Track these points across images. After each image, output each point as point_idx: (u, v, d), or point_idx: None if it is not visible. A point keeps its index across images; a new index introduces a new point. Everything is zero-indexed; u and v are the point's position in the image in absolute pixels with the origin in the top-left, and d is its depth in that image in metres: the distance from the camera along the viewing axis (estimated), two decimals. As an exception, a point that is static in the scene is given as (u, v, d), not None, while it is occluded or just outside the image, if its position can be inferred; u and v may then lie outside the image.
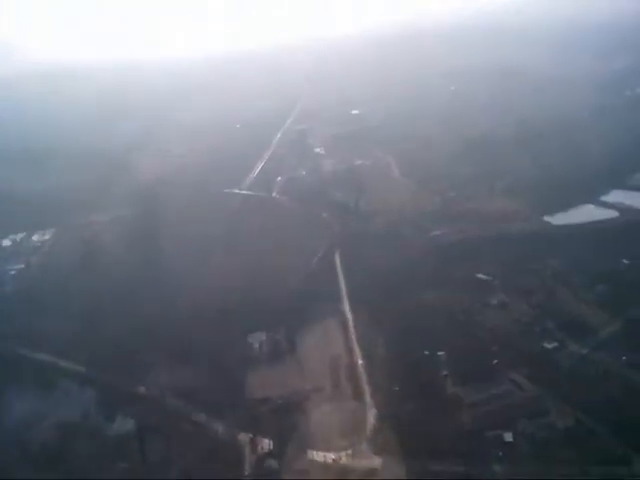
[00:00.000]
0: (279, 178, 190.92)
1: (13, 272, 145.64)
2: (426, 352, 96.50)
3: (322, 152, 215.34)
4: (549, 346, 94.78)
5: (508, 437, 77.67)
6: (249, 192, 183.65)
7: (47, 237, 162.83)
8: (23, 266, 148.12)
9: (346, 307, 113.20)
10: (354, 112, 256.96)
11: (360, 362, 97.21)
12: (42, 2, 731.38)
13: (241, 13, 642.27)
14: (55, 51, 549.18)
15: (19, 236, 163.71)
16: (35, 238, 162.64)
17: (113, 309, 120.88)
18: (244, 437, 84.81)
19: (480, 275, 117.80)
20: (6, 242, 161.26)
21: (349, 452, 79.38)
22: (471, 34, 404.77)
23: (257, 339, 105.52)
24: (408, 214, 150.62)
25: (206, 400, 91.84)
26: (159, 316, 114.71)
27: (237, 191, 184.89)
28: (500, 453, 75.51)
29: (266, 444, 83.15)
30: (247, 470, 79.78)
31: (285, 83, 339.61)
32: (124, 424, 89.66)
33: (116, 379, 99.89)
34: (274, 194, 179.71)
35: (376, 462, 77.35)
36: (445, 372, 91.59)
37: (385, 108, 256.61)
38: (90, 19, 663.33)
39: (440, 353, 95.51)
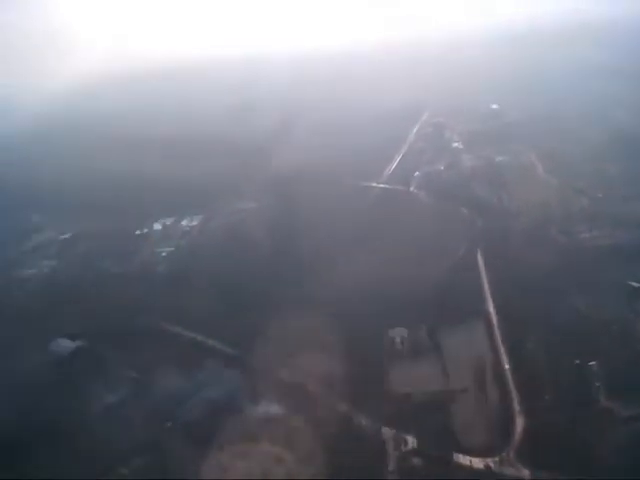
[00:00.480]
0: (417, 172, 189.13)
1: (164, 254, 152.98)
2: (577, 361, 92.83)
3: (460, 147, 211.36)
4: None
5: (665, 455, 73.63)
6: (386, 186, 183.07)
7: (195, 223, 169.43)
8: (173, 249, 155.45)
9: (490, 307, 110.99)
10: (493, 107, 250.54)
11: (507, 366, 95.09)
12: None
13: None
14: (169, 49, 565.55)
15: (169, 220, 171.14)
16: (184, 223, 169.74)
17: (255, 294, 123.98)
18: (387, 432, 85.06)
19: (633, 283, 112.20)
20: (157, 226, 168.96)
21: (496, 459, 77.80)
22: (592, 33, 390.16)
23: (399, 334, 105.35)
24: (553, 214, 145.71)
25: (349, 391, 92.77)
26: (299, 305, 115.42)
27: (374, 184, 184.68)
28: (657, 472, 71.74)
29: (410, 441, 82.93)
30: (391, 466, 79.71)
31: (419, 76, 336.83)
32: (268, 407, 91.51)
33: (261, 362, 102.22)
34: (412, 188, 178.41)
35: (524, 473, 75.46)
36: (597, 383, 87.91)
37: (524, 103, 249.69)
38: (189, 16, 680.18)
39: (592, 363, 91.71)
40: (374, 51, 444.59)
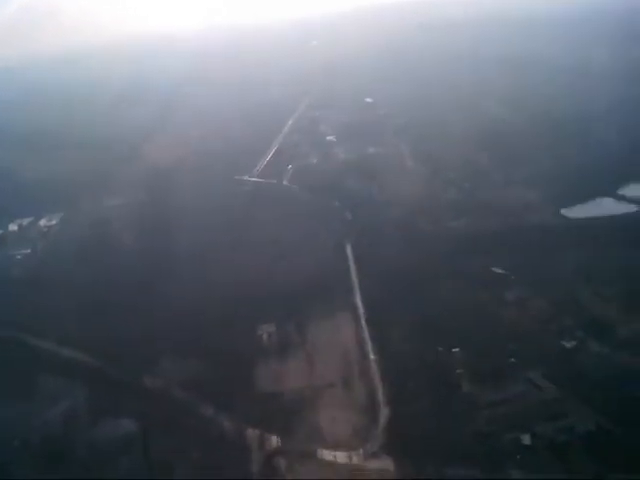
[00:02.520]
0: (290, 166, 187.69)
1: (19, 257, 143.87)
2: (440, 348, 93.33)
3: (334, 140, 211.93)
4: (568, 345, 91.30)
5: (526, 440, 74.09)
6: (259, 179, 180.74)
7: (54, 222, 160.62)
8: (29, 251, 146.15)
9: (358, 300, 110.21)
10: (368, 100, 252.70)
11: (372, 357, 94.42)
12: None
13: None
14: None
15: (26, 220, 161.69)
16: (42, 223, 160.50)
17: (120, 298, 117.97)
18: (252, 433, 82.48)
19: (496, 269, 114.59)
20: (13, 227, 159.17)
21: (360, 452, 76.71)
22: (480, 23, 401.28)
23: (266, 330, 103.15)
24: (423, 205, 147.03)
25: (214, 393, 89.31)
26: (167, 306, 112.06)
27: (247, 178, 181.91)
28: (518, 457, 72.31)
29: (274, 441, 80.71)
30: (254, 468, 77.16)
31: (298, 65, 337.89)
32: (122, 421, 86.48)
33: (121, 370, 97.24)
34: (285, 182, 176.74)
35: (388, 463, 74.54)
36: (460, 370, 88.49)
37: (398, 96, 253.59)
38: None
39: (455, 350, 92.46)
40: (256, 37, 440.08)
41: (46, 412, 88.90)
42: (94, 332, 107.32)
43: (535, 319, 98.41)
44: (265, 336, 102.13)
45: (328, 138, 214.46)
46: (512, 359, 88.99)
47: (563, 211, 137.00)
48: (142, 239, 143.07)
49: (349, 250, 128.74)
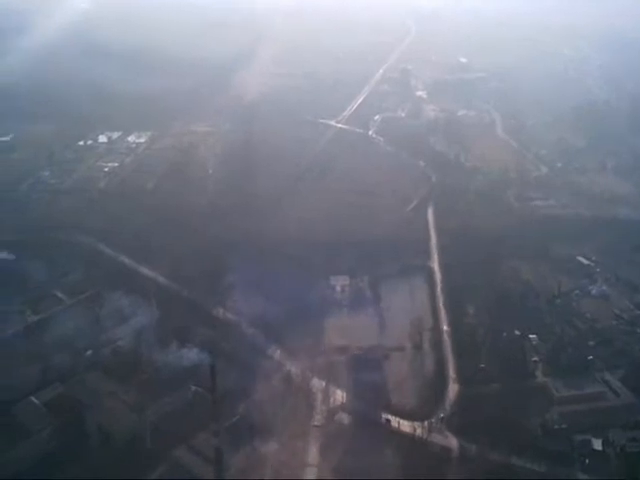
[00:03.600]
0: (377, 117, 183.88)
1: (107, 169, 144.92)
2: (517, 332, 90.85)
3: (424, 96, 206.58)
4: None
5: (597, 445, 72.14)
6: (345, 126, 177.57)
7: (142, 140, 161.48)
8: (117, 165, 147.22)
9: (435, 266, 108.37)
10: (462, 60, 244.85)
11: (445, 329, 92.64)
12: None
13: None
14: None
15: (115, 134, 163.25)
16: (131, 139, 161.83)
17: (197, 224, 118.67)
18: (318, 384, 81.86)
19: (581, 258, 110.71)
20: (102, 138, 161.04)
21: (425, 425, 75.41)
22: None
23: (340, 283, 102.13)
24: (509, 178, 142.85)
25: (283, 336, 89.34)
26: (243, 241, 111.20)
27: (333, 123, 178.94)
28: (587, 460, 70.14)
29: (340, 396, 79.92)
30: (317, 421, 76.67)
31: (393, 16, 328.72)
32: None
33: (196, 296, 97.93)
34: (371, 132, 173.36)
35: (452, 442, 73.34)
36: (536, 358, 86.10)
37: (494, 61, 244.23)
38: None
39: (532, 336, 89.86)
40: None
41: (118, 328, 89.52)
42: (169, 253, 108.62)
43: (618, 318, 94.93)
44: (339, 288, 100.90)
45: (418, 93, 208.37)
46: (591, 357, 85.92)
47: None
48: (224, 170, 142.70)
49: (430, 213, 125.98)
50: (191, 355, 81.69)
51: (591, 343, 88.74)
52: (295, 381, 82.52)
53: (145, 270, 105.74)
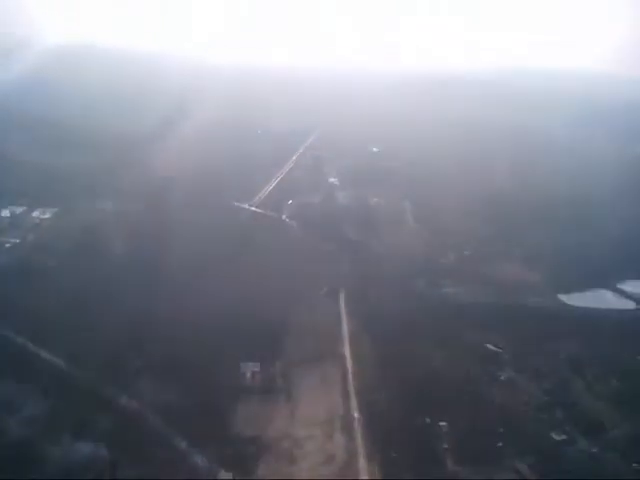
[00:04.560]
0: (290, 201, 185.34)
1: (8, 245, 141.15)
2: (428, 419, 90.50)
3: (337, 183, 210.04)
4: (558, 438, 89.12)
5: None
6: (259, 210, 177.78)
7: (47, 216, 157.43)
8: (18, 241, 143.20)
9: (347, 352, 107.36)
10: (374, 149, 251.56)
11: (357, 416, 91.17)
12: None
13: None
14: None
15: (19, 209, 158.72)
16: (35, 214, 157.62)
17: (102, 305, 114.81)
18: (224, 476, 78.50)
19: (490, 345, 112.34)
20: (5, 213, 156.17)
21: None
22: (486, 90, 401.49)
23: (250, 369, 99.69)
24: (420, 265, 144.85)
25: (189, 426, 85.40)
26: (150, 324, 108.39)
27: (246, 206, 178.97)
28: None
29: (247, 489, 76.92)
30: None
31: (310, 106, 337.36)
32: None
33: (96, 383, 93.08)
34: (284, 217, 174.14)
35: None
36: (446, 445, 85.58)
37: (406, 151, 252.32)
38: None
39: (442, 423, 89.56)
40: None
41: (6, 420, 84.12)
42: (69, 336, 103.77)
43: (526, 405, 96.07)
44: (249, 374, 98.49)
45: (331, 180, 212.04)
46: (500, 443, 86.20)
47: (561, 296, 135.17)
48: (133, 250, 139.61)
49: (342, 299, 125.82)
50: (87, 449, 77.48)
51: (501, 430, 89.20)
52: (202, 474, 79.08)
53: (43, 354, 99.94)
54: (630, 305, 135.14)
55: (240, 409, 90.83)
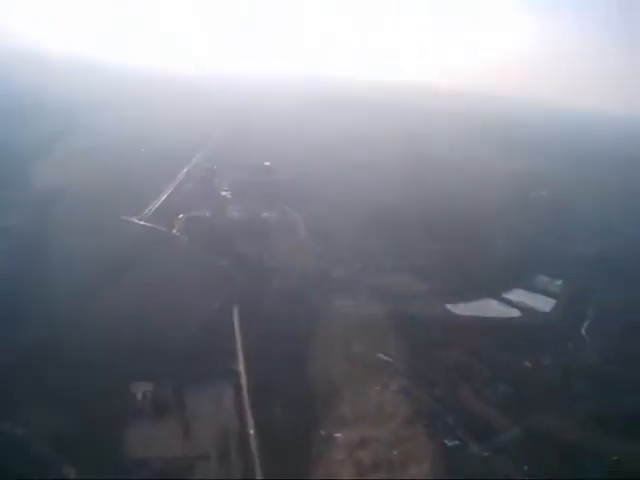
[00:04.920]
0: (181, 215, 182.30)
1: None
2: (322, 432, 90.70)
3: (229, 196, 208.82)
4: (450, 444, 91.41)
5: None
6: (148, 224, 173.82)
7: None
8: None
9: (241, 368, 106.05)
10: (266, 163, 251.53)
11: (252, 432, 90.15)
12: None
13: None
14: None
15: None
16: None
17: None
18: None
19: (381, 355, 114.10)
20: None
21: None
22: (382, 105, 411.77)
23: (142, 389, 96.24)
24: (311, 279, 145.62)
25: (77, 453, 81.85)
26: (34, 347, 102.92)
27: (135, 220, 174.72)
28: None
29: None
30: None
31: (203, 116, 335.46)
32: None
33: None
34: (175, 231, 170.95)
35: None
36: (341, 457, 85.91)
37: (297, 165, 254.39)
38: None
39: (337, 435, 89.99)
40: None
41: None
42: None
43: (418, 413, 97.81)
44: (140, 395, 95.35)
45: (223, 193, 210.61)
46: (395, 452, 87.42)
47: (448, 306, 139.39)
48: (15, 267, 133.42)
49: (235, 314, 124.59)
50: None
51: (393, 438, 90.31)
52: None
53: None
54: (515, 313, 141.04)
55: (130, 431, 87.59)
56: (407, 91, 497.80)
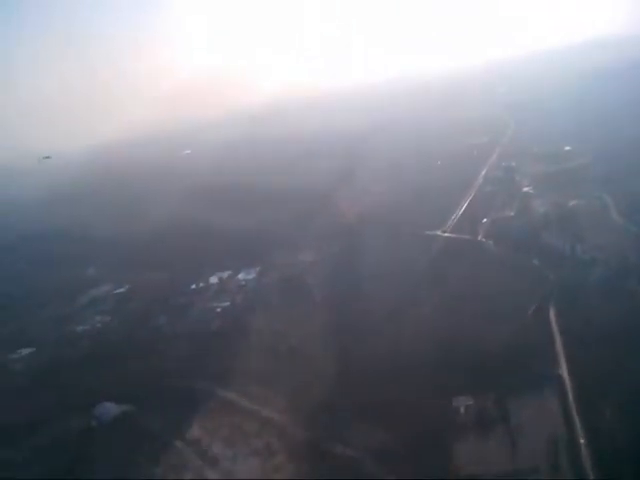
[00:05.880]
0: (485, 220, 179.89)
1: (219, 310, 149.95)
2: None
3: (531, 191, 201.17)
4: None
5: None
6: (452, 235, 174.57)
7: (252, 276, 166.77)
8: (228, 304, 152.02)
9: (564, 372, 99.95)
10: (566, 148, 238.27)
11: (582, 441, 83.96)
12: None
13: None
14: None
15: (226, 274, 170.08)
16: (240, 277, 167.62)
17: (313, 352, 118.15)
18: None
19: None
20: (213, 279, 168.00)
21: None
22: None
23: (463, 403, 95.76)
24: (632, 264, 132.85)
25: (407, 468, 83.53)
26: (356, 367, 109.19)
27: (439, 233, 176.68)
28: None
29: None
30: None
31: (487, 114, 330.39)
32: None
33: (308, 435, 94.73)
34: (480, 237, 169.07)
35: None
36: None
37: (598, 145, 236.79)
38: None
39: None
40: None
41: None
42: (274, 388, 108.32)
43: None
44: (462, 410, 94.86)
45: (524, 189, 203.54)
46: None
47: None
48: (334, 295, 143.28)
49: (552, 315, 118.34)
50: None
51: None
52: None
53: (265, 412, 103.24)
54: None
55: (456, 446, 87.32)
56: None
